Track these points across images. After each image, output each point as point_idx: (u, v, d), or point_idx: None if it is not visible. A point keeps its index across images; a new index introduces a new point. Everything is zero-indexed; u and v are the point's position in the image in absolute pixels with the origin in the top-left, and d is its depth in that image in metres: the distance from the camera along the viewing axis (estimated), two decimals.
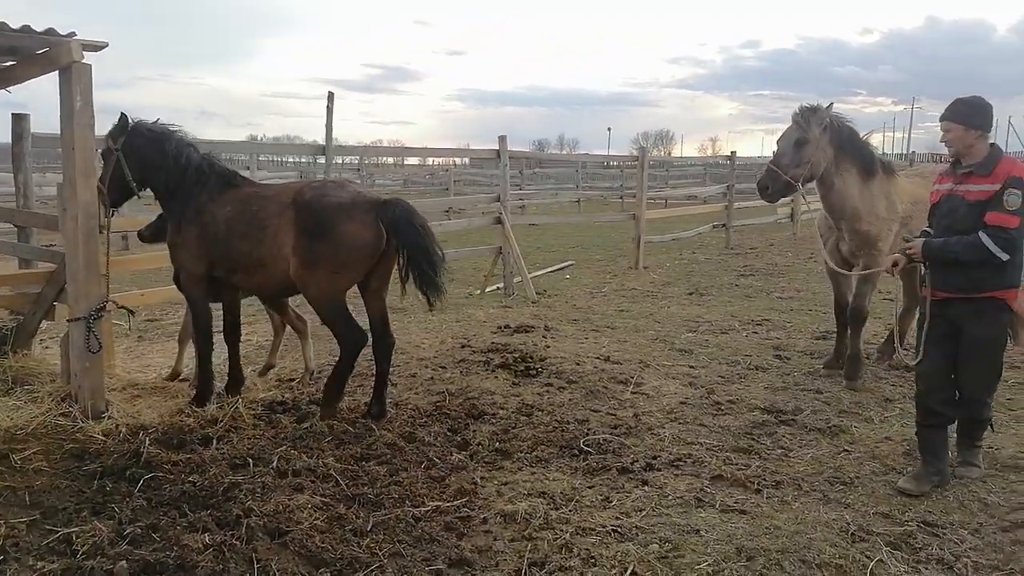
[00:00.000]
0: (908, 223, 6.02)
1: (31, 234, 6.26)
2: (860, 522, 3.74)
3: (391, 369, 5.80)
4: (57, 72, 4.84)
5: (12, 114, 6.11)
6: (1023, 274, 4.08)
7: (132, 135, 5.15)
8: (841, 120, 5.83)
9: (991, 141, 4.13)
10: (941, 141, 4.21)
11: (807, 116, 5.71)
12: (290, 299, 6.04)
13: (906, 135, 65.22)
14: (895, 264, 4.33)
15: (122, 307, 5.29)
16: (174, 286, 5.63)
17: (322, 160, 8.87)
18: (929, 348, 4.17)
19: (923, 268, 4.26)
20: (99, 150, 5.25)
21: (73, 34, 4.74)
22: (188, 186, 5.15)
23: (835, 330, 6.55)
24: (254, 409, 5.20)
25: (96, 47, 4.89)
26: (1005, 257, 3.90)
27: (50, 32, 4.67)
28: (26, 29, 4.59)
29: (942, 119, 4.14)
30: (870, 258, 5.91)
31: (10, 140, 6.27)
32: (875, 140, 6.24)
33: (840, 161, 5.79)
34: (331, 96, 8.37)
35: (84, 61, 4.76)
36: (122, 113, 5.15)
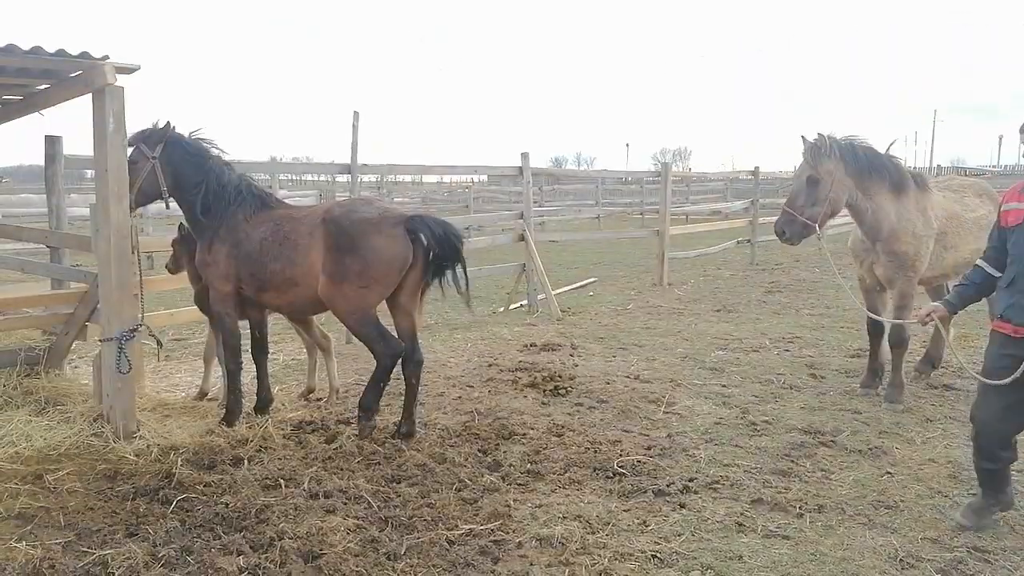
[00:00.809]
0: (943, 239, 5.84)
1: (63, 255, 6.32)
2: (908, 548, 3.62)
3: (419, 388, 5.79)
4: (90, 95, 4.91)
5: (45, 136, 6.19)
6: None
7: (171, 146, 5.18)
8: (855, 145, 5.59)
9: None
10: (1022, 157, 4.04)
11: (816, 151, 5.49)
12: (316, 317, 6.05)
13: (929, 148, 64.53)
14: (929, 316, 3.91)
15: (152, 335, 5.33)
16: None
17: (341, 179, 8.89)
18: (990, 390, 3.66)
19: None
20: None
21: (107, 57, 4.80)
22: (225, 205, 5.19)
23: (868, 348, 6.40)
24: (283, 429, 5.19)
25: (128, 70, 4.95)
26: None
27: (84, 55, 4.73)
28: (61, 53, 4.65)
29: (1021, 130, 3.72)
30: (906, 281, 5.72)
31: (43, 162, 6.36)
32: (898, 150, 6.00)
33: (867, 186, 5.57)
34: (356, 115, 8.41)
35: (117, 84, 4.82)
36: (168, 121, 5.20)
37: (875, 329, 6.03)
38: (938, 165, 36.90)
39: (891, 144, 5.93)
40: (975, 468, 3.91)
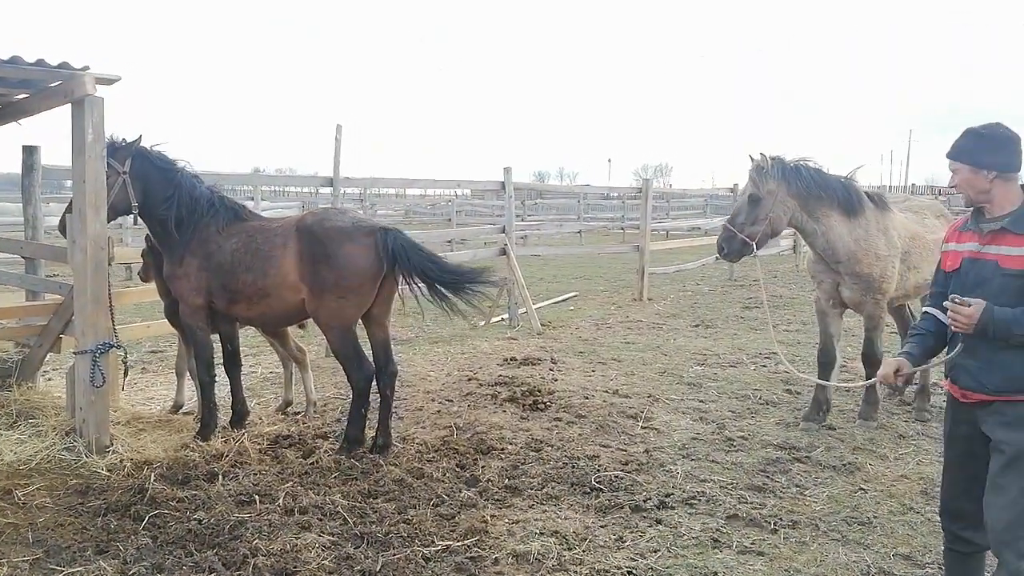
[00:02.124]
0: (907, 259, 5.83)
1: (39, 265, 6.24)
2: (880, 564, 3.66)
3: (397, 402, 5.78)
4: (70, 105, 4.88)
5: (23, 146, 6.13)
6: None
7: (141, 160, 5.15)
8: (800, 167, 5.54)
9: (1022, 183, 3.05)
10: (950, 186, 3.19)
11: (759, 171, 5.48)
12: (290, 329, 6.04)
13: (904, 168, 65.61)
14: (897, 373, 3.22)
15: (123, 361, 5.33)
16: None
17: (324, 191, 8.89)
18: (953, 467, 3.16)
19: (947, 348, 3.18)
20: None
21: (87, 68, 4.78)
22: (198, 217, 5.17)
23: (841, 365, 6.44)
24: (259, 443, 5.14)
25: (109, 80, 4.93)
26: None
27: (64, 66, 4.71)
28: (41, 63, 4.63)
29: (947, 156, 3.13)
30: (874, 304, 5.68)
31: (20, 172, 6.29)
32: (863, 175, 5.98)
33: (813, 207, 5.51)
34: (339, 128, 8.42)
35: (97, 95, 4.80)
36: (139, 135, 5.18)
37: (824, 358, 5.86)
38: (912, 184, 37.51)
39: (856, 169, 5.89)
40: (944, 555, 3.37)
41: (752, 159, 5.60)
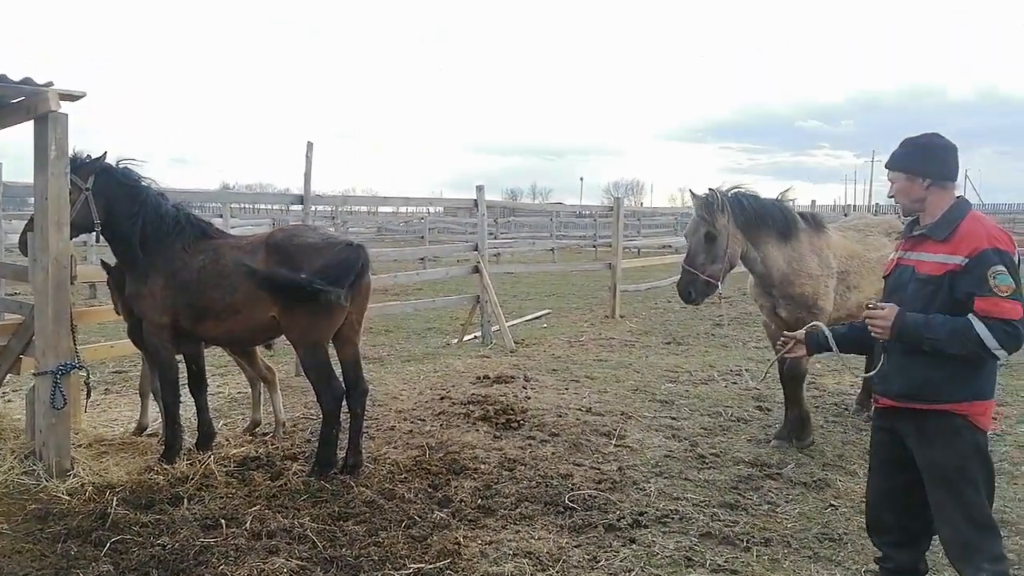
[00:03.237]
0: (845, 279, 5.76)
1: (0, 284, 6.09)
2: None
3: (368, 421, 5.71)
4: (32, 121, 4.79)
5: None
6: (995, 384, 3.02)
7: (104, 177, 5.04)
8: (740, 195, 5.47)
9: (958, 194, 3.07)
10: (888, 195, 3.19)
11: (709, 207, 5.33)
12: (258, 349, 5.94)
13: (867, 187, 67.01)
14: (785, 341, 3.39)
15: (85, 383, 5.18)
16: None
17: (295, 208, 8.82)
18: (873, 473, 3.20)
19: (875, 355, 3.16)
20: None
21: (51, 83, 4.69)
22: (163, 236, 5.08)
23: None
24: (226, 466, 5.03)
25: (73, 96, 4.84)
26: (1004, 356, 2.85)
27: (27, 81, 4.62)
28: (2, 78, 4.53)
29: (885, 165, 3.17)
30: (812, 320, 5.57)
31: None
32: (807, 192, 5.99)
33: (755, 236, 5.46)
34: (310, 145, 8.36)
35: (61, 111, 4.71)
36: (104, 152, 5.08)
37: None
38: (876, 204, 38.25)
39: (784, 191, 5.82)
40: None
41: (695, 194, 5.47)
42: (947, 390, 2.86)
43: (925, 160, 3.02)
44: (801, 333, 3.30)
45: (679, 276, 5.53)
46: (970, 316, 2.79)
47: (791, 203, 5.72)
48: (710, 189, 5.43)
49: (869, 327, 2.98)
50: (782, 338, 3.38)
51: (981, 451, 2.90)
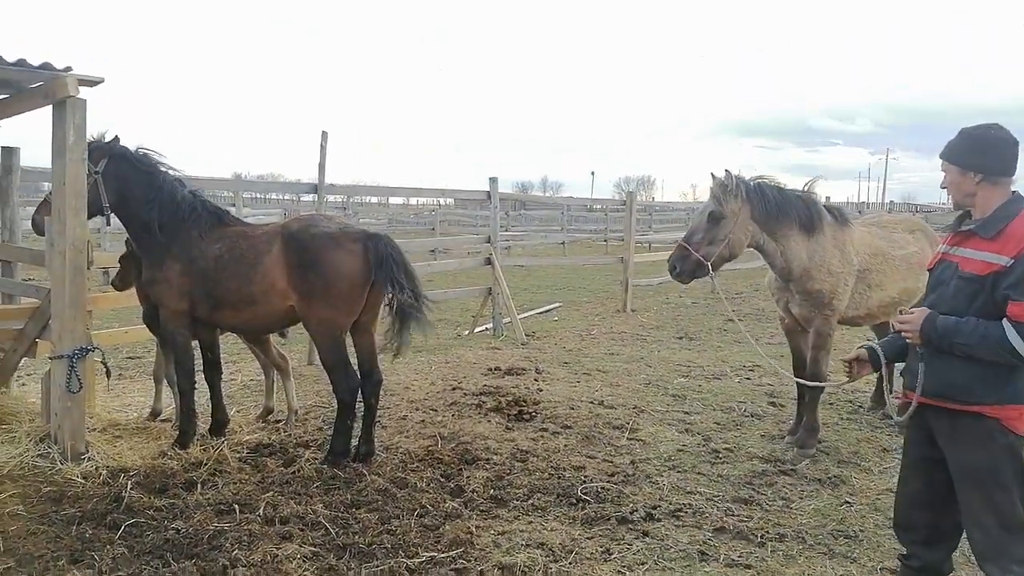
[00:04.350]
0: (866, 277, 5.56)
1: (16, 269, 6.11)
2: None
3: (380, 411, 5.71)
4: (51, 106, 4.79)
5: (2, 147, 6.02)
6: None
7: (118, 160, 5.04)
8: (764, 187, 5.27)
9: (1013, 189, 2.91)
10: (941, 187, 3.08)
11: (723, 189, 5.18)
12: (272, 337, 5.95)
13: (881, 184, 66.58)
14: (850, 365, 3.26)
15: (103, 363, 5.18)
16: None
17: (307, 198, 8.79)
18: (906, 470, 3.14)
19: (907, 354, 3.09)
20: None
21: (69, 68, 4.70)
22: (179, 222, 5.07)
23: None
24: (239, 452, 5.05)
25: (92, 82, 4.84)
26: None
27: (46, 66, 4.62)
28: (21, 62, 4.54)
29: (940, 156, 3.04)
30: (823, 321, 5.40)
31: None
32: (821, 187, 5.52)
33: (774, 228, 5.26)
34: (325, 135, 8.36)
35: (79, 96, 4.72)
36: (116, 136, 5.08)
37: (801, 374, 5.63)
38: (891, 201, 37.99)
39: (811, 181, 5.59)
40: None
41: (714, 176, 5.31)
42: (980, 392, 2.77)
43: (979, 153, 2.87)
44: (864, 354, 3.19)
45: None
46: (1004, 321, 2.68)
47: (817, 196, 5.53)
48: (727, 171, 5.25)
49: (900, 331, 2.93)
50: (845, 363, 3.27)
51: (1014, 454, 2.80)
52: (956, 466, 2.85)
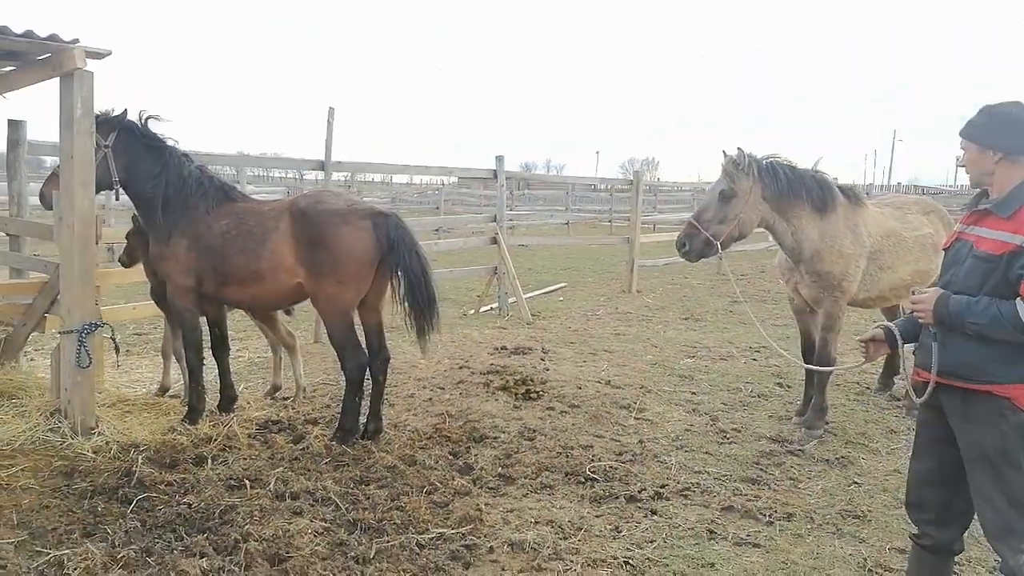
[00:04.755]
0: (878, 258, 5.50)
1: (24, 243, 6.10)
2: (877, 558, 3.67)
3: (387, 388, 5.71)
4: (58, 79, 4.75)
5: (8, 120, 5.98)
6: None
7: (126, 135, 5.01)
8: (776, 165, 5.19)
9: None
10: (959, 165, 3.23)
11: (735, 167, 5.11)
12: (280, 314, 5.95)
13: (889, 166, 66.10)
14: (867, 345, 3.18)
15: (112, 339, 5.17)
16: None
17: (310, 176, 8.73)
18: (919, 449, 3.12)
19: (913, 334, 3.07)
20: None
21: (76, 40, 4.64)
22: (185, 197, 5.05)
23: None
24: (248, 428, 5.06)
25: (99, 55, 4.79)
26: None
27: (53, 38, 4.57)
28: (29, 34, 4.49)
29: (959, 134, 3.00)
30: (833, 302, 5.35)
31: (4, 148, 6.14)
32: (824, 165, 5.39)
33: (786, 208, 5.20)
34: (331, 111, 8.30)
35: (86, 68, 4.67)
36: (125, 109, 5.04)
37: (808, 355, 5.66)
38: (899, 183, 37.73)
39: (818, 161, 5.49)
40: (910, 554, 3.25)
41: (726, 153, 5.22)
42: (992, 371, 2.76)
43: (998, 131, 2.83)
44: (880, 334, 3.15)
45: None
46: (1016, 300, 2.66)
47: (829, 176, 5.44)
48: (739, 149, 5.16)
49: (913, 311, 2.93)
50: (862, 343, 3.21)
51: (1017, 433, 2.77)
52: (967, 445, 2.85)
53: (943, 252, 3.12)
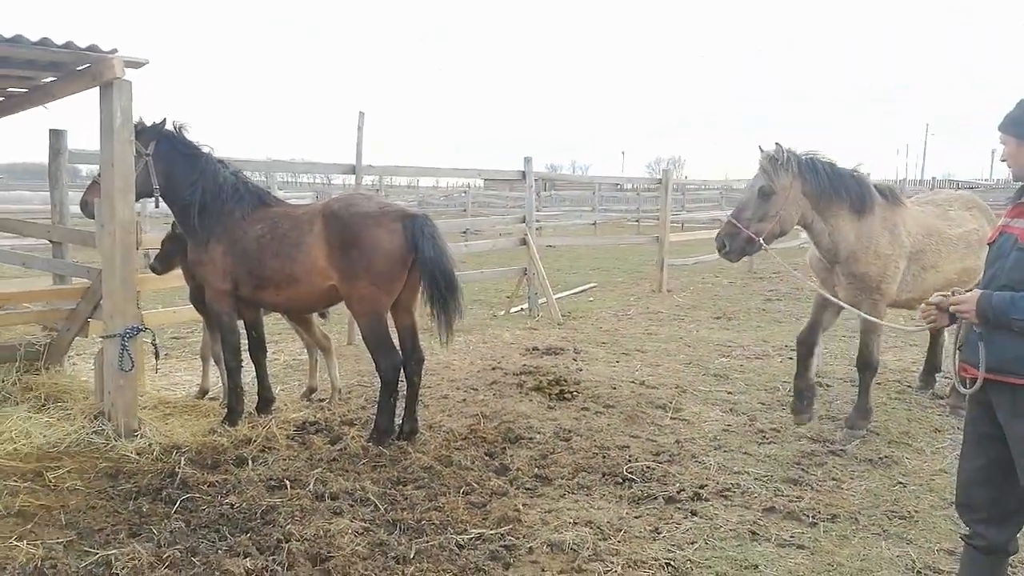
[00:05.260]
0: (920, 258, 5.36)
1: (66, 250, 6.23)
2: (925, 559, 3.59)
3: (421, 390, 5.73)
4: (97, 88, 4.84)
5: (50, 130, 6.11)
6: None
7: (166, 143, 5.10)
8: (816, 161, 5.10)
9: None
10: (1001, 159, 3.01)
11: (773, 163, 5.00)
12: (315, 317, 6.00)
13: (920, 161, 64.88)
14: (932, 313, 3.04)
15: (153, 343, 5.24)
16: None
17: (337, 181, 8.79)
18: (968, 447, 3.03)
19: (958, 332, 3.00)
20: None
21: (115, 50, 4.73)
22: (222, 202, 5.12)
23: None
24: (286, 429, 5.12)
25: (137, 64, 4.88)
26: None
27: (92, 48, 4.66)
28: (69, 45, 4.58)
29: (998, 128, 2.98)
30: (872, 305, 5.16)
31: (45, 158, 6.28)
32: (886, 163, 5.43)
33: (825, 206, 5.09)
34: (362, 116, 8.36)
35: (125, 78, 4.76)
36: (164, 118, 5.13)
37: (802, 345, 5.50)
38: (933, 177, 36.93)
39: (858, 165, 5.33)
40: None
41: (763, 149, 5.12)
42: None
43: None
44: (946, 302, 3.00)
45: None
46: None
47: (867, 175, 5.31)
48: (777, 144, 5.05)
49: (955, 312, 2.87)
50: (923, 308, 3.10)
51: None
52: (1016, 441, 2.77)
53: (988, 246, 3.04)
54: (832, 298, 5.18)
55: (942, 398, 6.22)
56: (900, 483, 4.49)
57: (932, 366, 6.54)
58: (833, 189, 5.09)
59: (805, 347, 5.48)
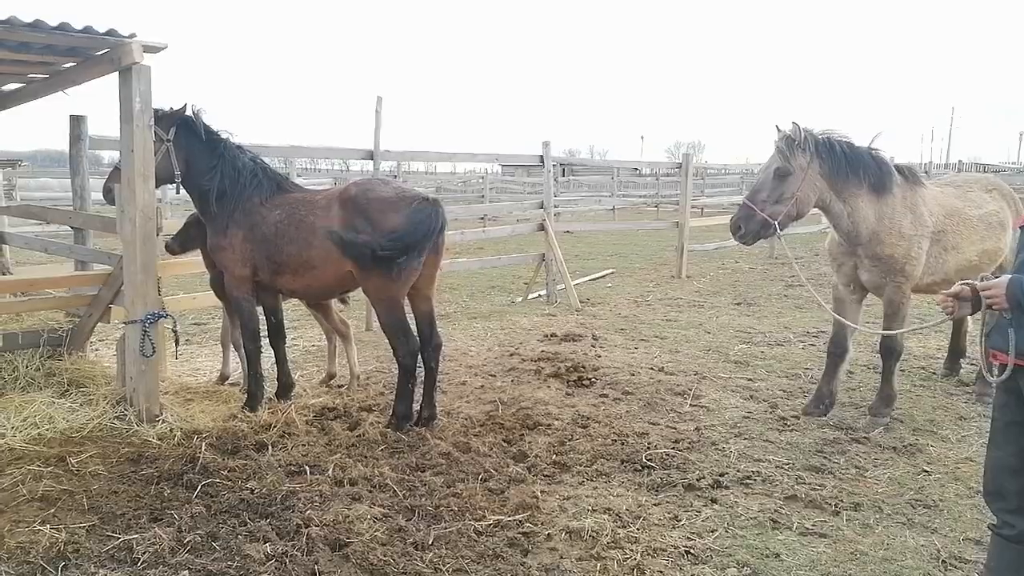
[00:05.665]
0: (941, 239, 5.23)
1: (88, 236, 6.28)
2: (951, 549, 3.53)
3: (439, 376, 5.73)
4: (116, 74, 4.84)
5: (70, 116, 6.13)
6: None
7: (185, 129, 5.10)
8: (833, 140, 4.97)
9: None
10: None
11: (790, 143, 4.88)
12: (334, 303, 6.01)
13: (946, 145, 63.69)
14: (950, 303, 2.99)
15: (173, 330, 5.26)
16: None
17: (355, 167, 8.77)
18: (996, 435, 2.98)
19: (987, 317, 2.93)
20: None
21: (134, 35, 4.73)
22: (241, 189, 5.13)
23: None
24: (305, 415, 5.13)
25: (156, 48, 4.87)
26: None
27: (111, 33, 4.65)
28: (88, 30, 4.58)
29: None
30: (895, 288, 5.07)
31: (65, 145, 6.31)
32: (881, 142, 5.10)
33: (842, 187, 4.97)
34: (379, 100, 8.33)
35: (144, 63, 4.75)
36: (184, 103, 5.13)
37: (836, 349, 5.42)
38: (960, 161, 36.26)
39: (875, 137, 5.20)
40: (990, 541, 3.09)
41: (779, 129, 4.99)
42: None
43: None
44: (966, 291, 2.97)
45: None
46: None
47: (885, 154, 5.16)
48: (794, 123, 4.93)
49: (985, 301, 2.82)
50: (943, 297, 3.04)
51: None
52: None
53: (1012, 231, 2.99)
54: (846, 321, 5.15)
55: (968, 385, 6.11)
56: (925, 471, 4.42)
57: (956, 352, 6.43)
58: (851, 168, 4.96)
59: (836, 355, 5.42)
